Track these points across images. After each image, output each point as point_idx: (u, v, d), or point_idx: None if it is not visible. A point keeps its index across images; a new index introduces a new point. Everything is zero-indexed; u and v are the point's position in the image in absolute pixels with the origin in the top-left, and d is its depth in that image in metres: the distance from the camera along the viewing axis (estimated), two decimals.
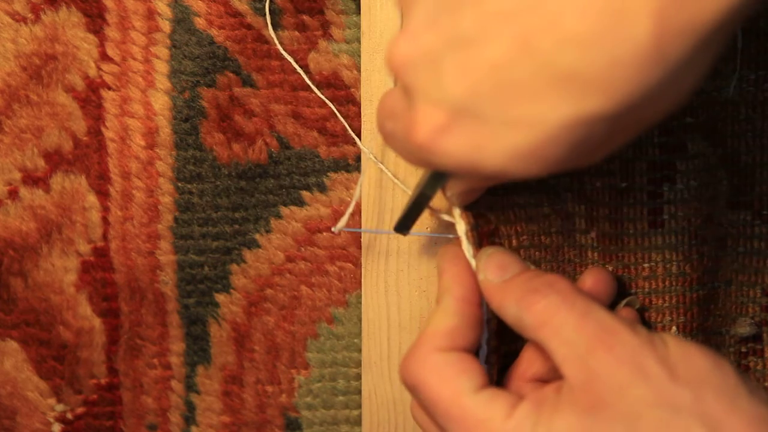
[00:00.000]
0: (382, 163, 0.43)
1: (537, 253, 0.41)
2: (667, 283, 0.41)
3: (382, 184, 0.43)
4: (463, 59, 0.28)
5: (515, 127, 0.28)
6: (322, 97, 0.45)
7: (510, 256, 0.37)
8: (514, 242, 0.40)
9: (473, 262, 0.38)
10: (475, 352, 0.37)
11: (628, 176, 0.41)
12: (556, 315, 0.32)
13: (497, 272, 0.36)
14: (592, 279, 0.38)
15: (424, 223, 0.43)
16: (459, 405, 0.34)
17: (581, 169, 0.41)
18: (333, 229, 0.42)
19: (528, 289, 0.34)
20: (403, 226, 0.39)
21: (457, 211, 0.39)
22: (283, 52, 0.45)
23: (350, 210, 0.42)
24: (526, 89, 0.27)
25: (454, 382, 0.34)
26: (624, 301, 0.40)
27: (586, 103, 0.27)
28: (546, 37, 0.26)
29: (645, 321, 0.42)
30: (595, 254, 0.41)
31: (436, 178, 0.36)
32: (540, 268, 0.41)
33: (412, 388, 0.36)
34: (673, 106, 0.28)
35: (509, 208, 0.40)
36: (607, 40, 0.25)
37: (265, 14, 0.45)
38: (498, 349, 0.38)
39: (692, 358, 0.31)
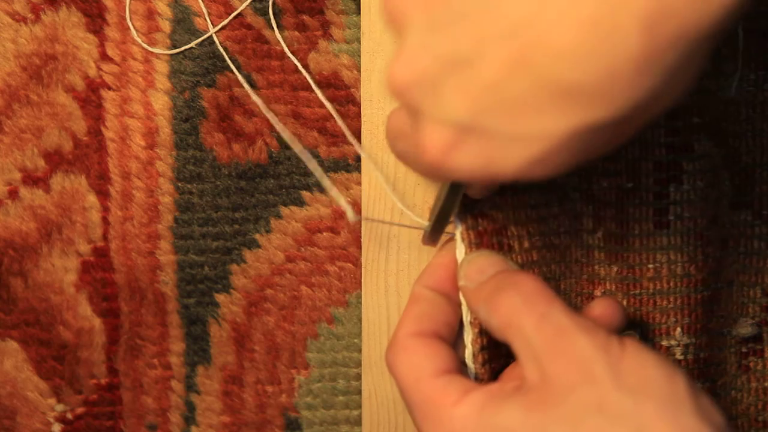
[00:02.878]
0: (381, 163, 0.43)
1: (548, 254, 0.40)
2: (671, 284, 0.41)
3: (381, 184, 0.43)
4: (461, 79, 0.29)
5: (522, 140, 0.29)
6: (325, 101, 0.45)
7: (491, 259, 0.37)
8: (526, 244, 0.39)
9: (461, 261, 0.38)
10: (450, 340, 0.37)
11: (635, 176, 0.40)
12: (517, 316, 0.33)
13: (475, 276, 0.36)
14: (600, 309, 0.38)
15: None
16: (418, 388, 0.34)
17: (589, 168, 0.41)
18: (351, 218, 0.42)
19: (494, 290, 0.34)
20: (431, 238, 0.39)
21: (454, 212, 0.39)
22: (290, 54, 0.45)
23: (392, 196, 0.41)
24: (527, 104, 0.28)
25: (417, 365, 0.35)
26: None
27: (588, 113, 0.27)
28: (540, 53, 0.27)
29: (649, 323, 0.41)
30: (602, 254, 0.41)
31: (456, 187, 0.36)
32: (550, 268, 0.40)
33: (391, 373, 0.36)
34: (672, 104, 0.29)
35: (521, 208, 0.40)
36: (601, 53, 0.26)
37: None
38: (489, 348, 0.38)
39: (644, 367, 0.30)
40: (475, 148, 0.30)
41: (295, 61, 0.45)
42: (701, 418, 0.29)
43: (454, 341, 0.38)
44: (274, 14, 0.45)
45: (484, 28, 0.28)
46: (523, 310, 0.32)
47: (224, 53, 0.45)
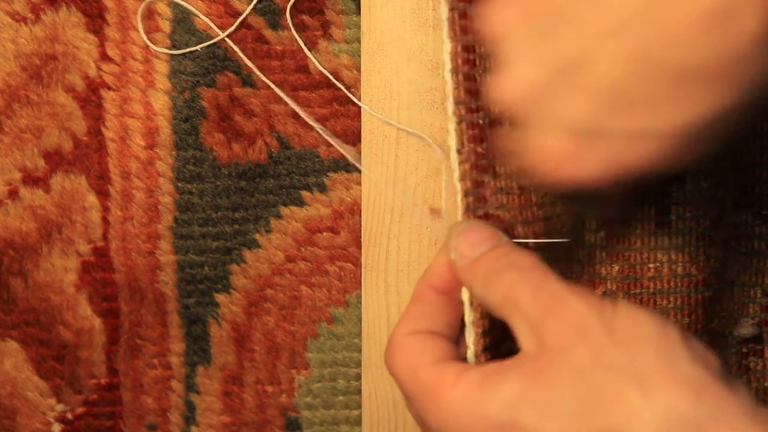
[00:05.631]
0: (381, 163, 0.43)
1: (551, 254, 0.40)
2: (672, 284, 0.41)
3: (382, 183, 0.43)
4: (574, 85, 0.29)
5: (645, 136, 0.29)
6: (322, 69, 0.45)
7: (483, 233, 0.36)
8: (531, 245, 0.39)
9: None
10: (451, 339, 0.37)
11: None
12: (514, 292, 0.33)
13: (467, 252, 0.36)
14: None
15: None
16: (416, 379, 0.34)
17: None
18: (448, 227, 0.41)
19: (491, 270, 0.34)
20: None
21: (459, 211, 0.38)
22: (296, 36, 0.45)
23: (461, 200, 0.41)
24: (648, 98, 0.28)
25: (414, 359, 0.35)
26: None
27: (710, 100, 0.27)
28: (660, 42, 0.27)
29: None
30: (604, 254, 0.41)
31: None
32: (553, 269, 0.40)
33: (390, 374, 0.36)
34: None
35: (528, 208, 0.39)
36: (720, 35, 0.26)
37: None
38: (491, 349, 0.37)
39: (637, 322, 0.30)
40: (595, 153, 0.30)
41: (301, 43, 0.44)
42: (696, 363, 0.29)
43: (457, 340, 0.38)
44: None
45: (591, 29, 0.28)
46: (520, 284, 0.33)
47: (241, 54, 0.45)
